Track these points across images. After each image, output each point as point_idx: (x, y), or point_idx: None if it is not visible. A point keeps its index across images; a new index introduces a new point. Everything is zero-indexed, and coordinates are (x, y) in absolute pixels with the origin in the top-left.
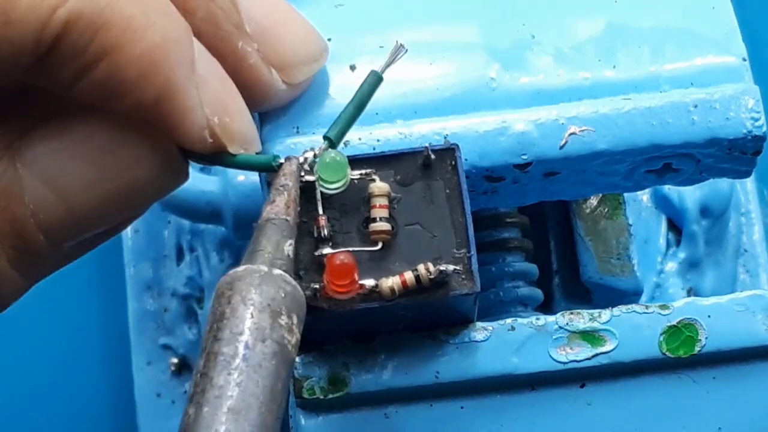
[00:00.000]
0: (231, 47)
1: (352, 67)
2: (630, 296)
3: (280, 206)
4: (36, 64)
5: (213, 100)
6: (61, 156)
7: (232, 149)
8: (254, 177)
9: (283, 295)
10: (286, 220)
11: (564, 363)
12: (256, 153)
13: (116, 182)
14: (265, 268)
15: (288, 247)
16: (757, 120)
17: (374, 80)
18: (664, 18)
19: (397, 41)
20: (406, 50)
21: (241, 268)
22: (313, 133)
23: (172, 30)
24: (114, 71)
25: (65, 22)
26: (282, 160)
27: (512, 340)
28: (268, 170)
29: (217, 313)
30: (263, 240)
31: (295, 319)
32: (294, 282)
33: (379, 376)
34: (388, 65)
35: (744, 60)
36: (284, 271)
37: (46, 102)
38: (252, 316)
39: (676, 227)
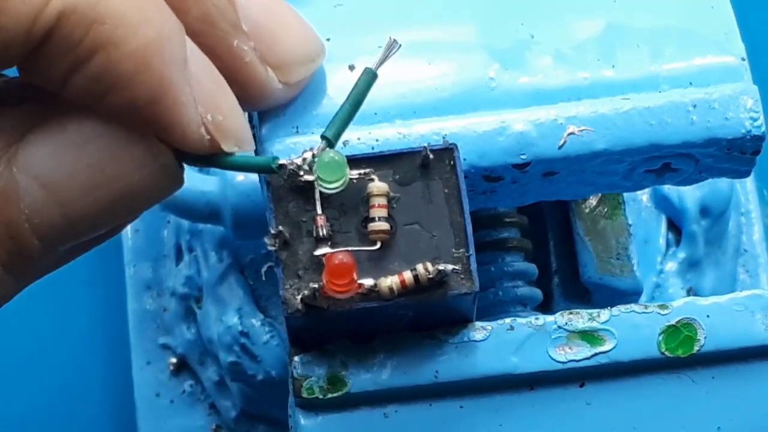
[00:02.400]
0: (226, 46)
1: (351, 67)
2: (629, 296)
3: None
4: (29, 58)
5: (205, 98)
6: (58, 160)
7: (225, 147)
8: (254, 177)
9: None
10: None
11: (563, 363)
12: (256, 154)
13: (113, 187)
14: None
15: None
16: (756, 120)
17: (369, 77)
18: (663, 18)
19: (390, 37)
20: (400, 45)
21: None
22: (312, 133)
23: (165, 27)
24: (108, 66)
25: (59, 14)
26: (281, 162)
27: (511, 339)
28: (268, 172)
29: None
30: None
31: None
32: None
33: (379, 375)
34: (382, 62)
35: (743, 60)
36: None
37: (44, 105)
38: None
39: (675, 227)
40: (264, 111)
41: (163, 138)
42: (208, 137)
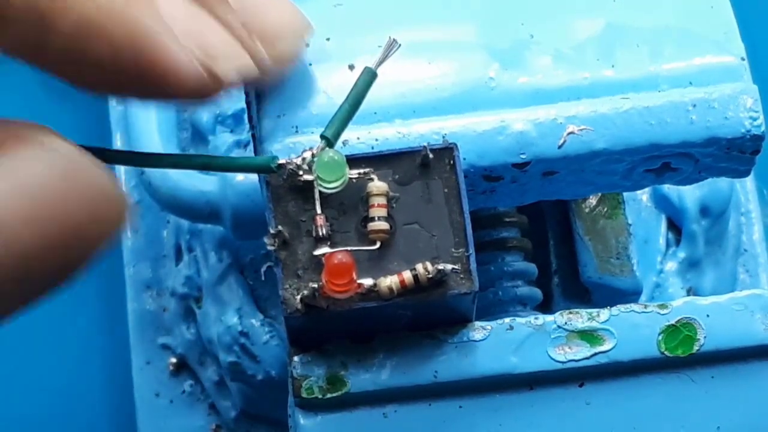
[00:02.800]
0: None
1: (351, 67)
2: (629, 296)
3: None
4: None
5: (186, 31)
6: (3, 194)
7: (224, 74)
8: (253, 177)
9: None
10: None
11: (562, 362)
12: (255, 154)
13: (59, 224)
14: None
15: None
16: (755, 119)
17: (369, 77)
18: (662, 17)
19: (390, 36)
20: (399, 45)
21: None
22: (312, 132)
23: None
24: (81, 16)
25: None
26: (281, 161)
27: (511, 339)
28: (267, 171)
29: None
30: None
31: None
32: None
33: (378, 375)
34: (381, 61)
35: (743, 59)
36: None
37: None
38: None
39: (675, 227)
40: (263, 110)
41: (162, 84)
42: (202, 67)
